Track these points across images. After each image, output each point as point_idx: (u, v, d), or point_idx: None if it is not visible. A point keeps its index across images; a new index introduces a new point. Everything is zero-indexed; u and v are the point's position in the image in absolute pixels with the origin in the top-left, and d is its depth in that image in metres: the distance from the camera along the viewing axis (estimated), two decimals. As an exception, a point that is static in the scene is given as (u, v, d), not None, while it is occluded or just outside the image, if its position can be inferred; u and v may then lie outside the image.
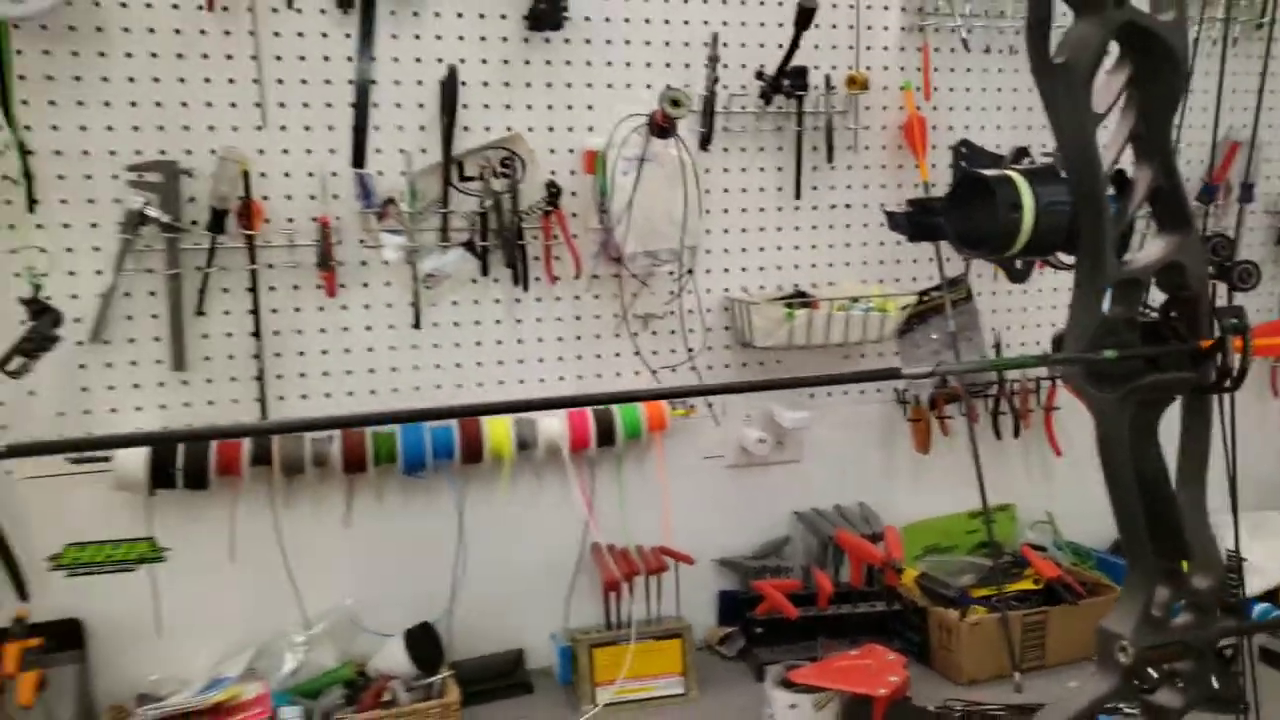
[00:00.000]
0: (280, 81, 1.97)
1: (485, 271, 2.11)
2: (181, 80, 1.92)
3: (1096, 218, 1.11)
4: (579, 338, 2.21)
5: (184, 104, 1.93)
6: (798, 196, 2.29)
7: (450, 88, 1.98)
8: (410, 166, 2.03)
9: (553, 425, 2.13)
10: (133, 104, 1.90)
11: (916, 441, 2.41)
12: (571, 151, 2.15)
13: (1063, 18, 1.09)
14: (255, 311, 1.98)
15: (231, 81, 1.95)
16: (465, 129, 2.07)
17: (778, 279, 2.33)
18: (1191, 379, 1.20)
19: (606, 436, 2.16)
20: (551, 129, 2.14)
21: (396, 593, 2.12)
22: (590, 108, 2.15)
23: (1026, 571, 2.31)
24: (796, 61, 2.16)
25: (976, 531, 2.48)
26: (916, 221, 1.53)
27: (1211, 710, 1.27)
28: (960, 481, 2.37)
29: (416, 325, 2.08)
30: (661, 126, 1.94)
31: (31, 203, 1.83)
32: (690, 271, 2.16)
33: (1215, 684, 1.23)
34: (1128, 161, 1.18)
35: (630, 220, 1.98)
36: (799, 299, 2.25)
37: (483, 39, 2.07)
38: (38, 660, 1.82)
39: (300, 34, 1.97)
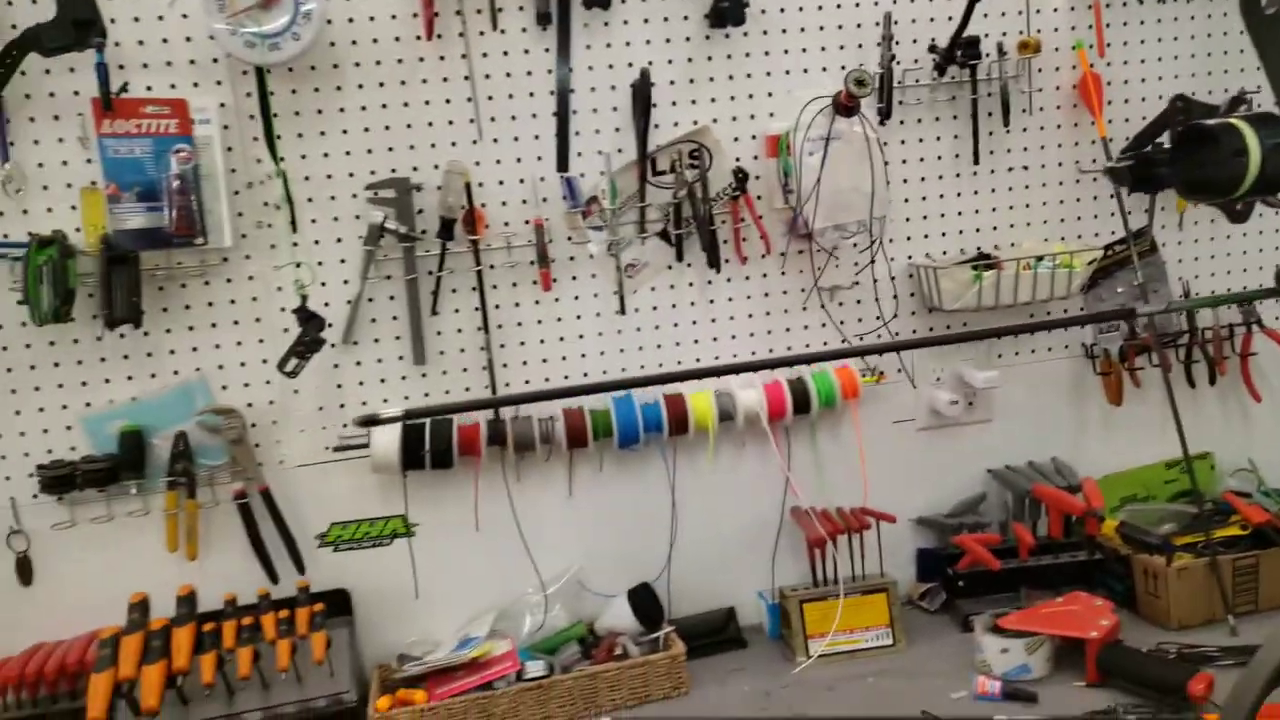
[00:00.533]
0: (490, 98, 2.16)
1: (680, 257, 2.27)
2: (405, 104, 2.14)
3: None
4: (768, 313, 2.34)
5: (408, 125, 2.14)
6: (976, 162, 2.35)
7: (644, 89, 2.13)
8: (610, 166, 2.19)
9: (751, 397, 2.27)
10: (365, 129, 2.13)
11: (1108, 394, 2.44)
12: (754, 138, 2.28)
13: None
14: (482, 308, 2.19)
15: (448, 101, 2.15)
16: (656, 126, 2.22)
17: (959, 244, 2.40)
18: None
19: (802, 406, 2.28)
20: (734, 118, 2.27)
21: (616, 557, 2.31)
22: (770, 95, 2.27)
23: (1232, 518, 2.31)
24: (968, 32, 2.22)
25: (1174, 481, 2.49)
26: (1138, 174, 1.58)
27: None
28: (1154, 432, 2.40)
29: (621, 311, 2.26)
30: (846, 106, 2.04)
31: (293, 224, 2.09)
32: (879, 242, 2.25)
33: None
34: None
35: (818, 197, 2.09)
36: (983, 261, 2.31)
37: (668, 40, 2.22)
38: (319, 624, 2.09)
39: (505, 52, 2.16)
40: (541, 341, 2.26)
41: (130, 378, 2.10)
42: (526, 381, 2.26)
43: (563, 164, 2.19)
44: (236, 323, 2.13)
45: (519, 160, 2.20)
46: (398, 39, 2.12)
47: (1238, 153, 1.15)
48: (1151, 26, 2.41)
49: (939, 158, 2.36)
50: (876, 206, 2.09)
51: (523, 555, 2.26)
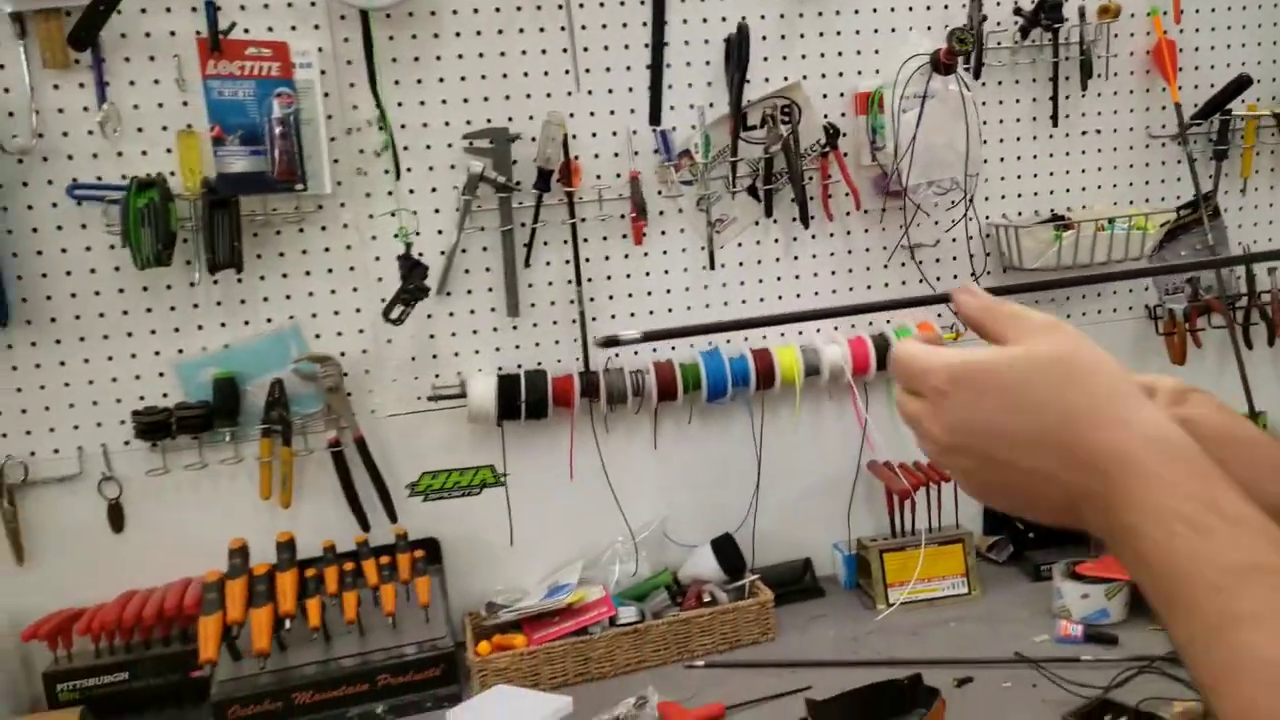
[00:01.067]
0: (585, 49, 2.17)
1: (769, 213, 2.29)
2: (502, 54, 2.13)
3: None
4: (850, 270, 2.38)
5: (504, 75, 2.14)
6: (1054, 125, 2.40)
7: (742, 43, 2.15)
8: (703, 120, 2.21)
9: (835, 352, 2.31)
10: (462, 78, 2.12)
11: (1171, 354, 2.51)
12: (841, 95, 2.30)
13: None
14: (575, 260, 2.20)
15: (544, 52, 2.15)
16: (747, 81, 2.23)
17: (1034, 205, 2.45)
18: None
19: (884, 362, 2.33)
20: (823, 75, 2.29)
21: (697, 508, 2.35)
22: (858, 53, 2.30)
23: (1289, 473, 2.40)
24: (1053, -5, 2.26)
25: (1230, 438, 2.57)
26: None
27: None
28: (1213, 390, 2.46)
29: (710, 266, 2.28)
30: (945, 64, 2.07)
31: (397, 171, 2.08)
32: (971, 199, 2.28)
33: None
34: None
35: (914, 153, 2.12)
36: (1058, 222, 2.36)
37: (761, -3, 2.24)
38: (421, 570, 2.11)
39: (601, 4, 2.16)
40: (629, 295, 2.28)
41: (223, 325, 2.09)
42: (614, 334, 2.27)
43: (655, 117, 2.20)
44: (331, 271, 2.12)
45: (612, 113, 2.20)
46: (496, -13, 2.11)
47: None
48: (1223, -2, 2.47)
49: (1017, 120, 2.41)
50: (970, 164, 2.13)
51: (608, 506, 2.29)
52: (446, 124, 2.13)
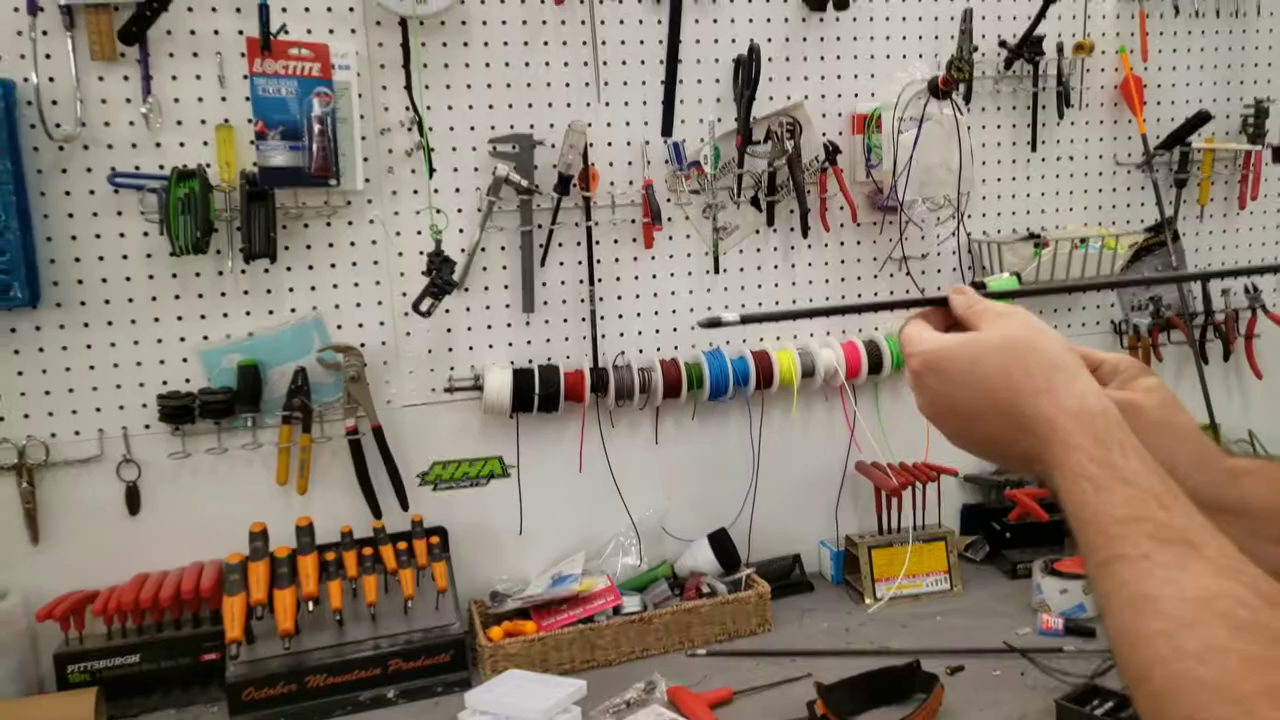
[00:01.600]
0: (605, 63, 2.29)
1: (770, 222, 2.43)
2: (527, 64, 2.24)
3: None
4: (843, 279, 2.52)
5: (528, 84, 2.25)
6: (1033, 149, 2.58)
7: (754, 62, 2.28)
8: (712, 134, 2.34)
9: (830, 356, 2.44)
10: (488, 85, 2.23)
11: (1135, 367, 2.69)
12: (839, 115, 2.46)
13: None
14: (588, 262, 2.31)
15: (566, 65, 2.27)
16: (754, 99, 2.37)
17: (1011, 223, 2.62)
18: None
19: (875, 366, 2.47)
20: (823, 96, 2.44)
21: (693, 503, 2.45)
22: (855, 77, 2.46)
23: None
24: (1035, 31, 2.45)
25: (1188, 447, 2.76)
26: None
27: None
28: (1173, 403, 2.66)
29: (715, 271, 2.40)
30: (943, 89, 2.23)
31: (430, 171, 2.17)
32: (962, 215, 2.44)
33: None
34: None
35: (910, 171, 2.28)
36: (1034, 240, 2.54)
37: (768, 20, 2.38)
38: (437, 556, 2.17)
39: (621, 21, 2.29)
40: (637, 296, 2.39)
41: (248, 313, 2.15)
42: (620, 334, 2.38)
43: (667, 129, 2.33)
44: (355, 264, 2.20)
45: (628, 124, 2.32)
46: (524, 0, 2.22)
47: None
48: (1184, 38, 2.69)
49: (999, 144, 2.59)
50: (963, 183, 2.29)
51: (610, 499, 2.38)
52: (472, 128, 2.23)
